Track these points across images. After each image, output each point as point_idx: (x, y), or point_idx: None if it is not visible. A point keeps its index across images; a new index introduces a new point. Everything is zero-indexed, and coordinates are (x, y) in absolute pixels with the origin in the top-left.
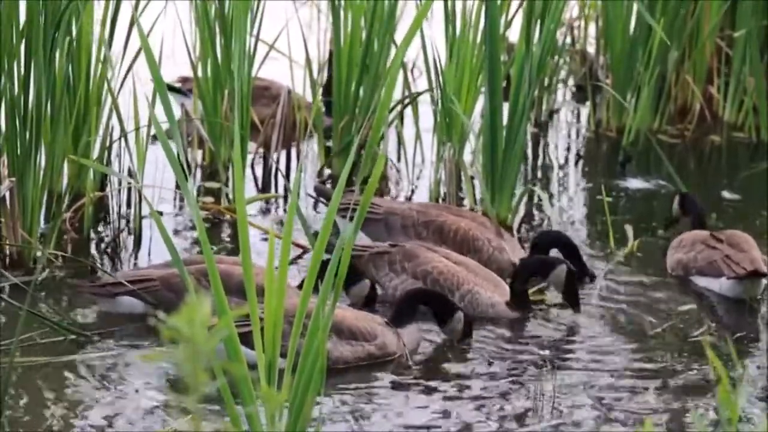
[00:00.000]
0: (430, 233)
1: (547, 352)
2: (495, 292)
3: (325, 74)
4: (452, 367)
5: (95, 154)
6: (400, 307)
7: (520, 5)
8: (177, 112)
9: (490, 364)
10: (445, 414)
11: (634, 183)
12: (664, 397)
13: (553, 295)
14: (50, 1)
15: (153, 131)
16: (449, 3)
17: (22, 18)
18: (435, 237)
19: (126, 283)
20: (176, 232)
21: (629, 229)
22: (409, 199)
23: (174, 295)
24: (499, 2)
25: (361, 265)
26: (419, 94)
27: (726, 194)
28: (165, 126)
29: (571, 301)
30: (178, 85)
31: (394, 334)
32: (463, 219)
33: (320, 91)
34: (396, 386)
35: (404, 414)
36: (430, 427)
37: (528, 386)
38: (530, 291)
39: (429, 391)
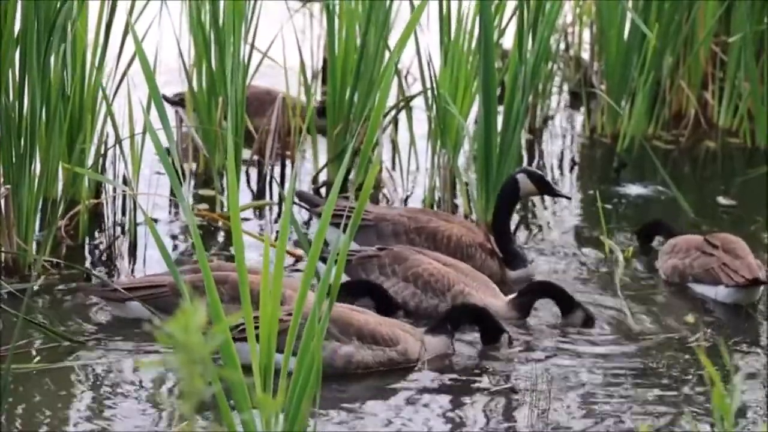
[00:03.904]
0: (423, 240)
1: (542, 355)
2: (486, 293)
3: (320, 80)
4: (448, 370)
5: (90, 161)
6: (447, 316)
7: (514, 12)
8: (172, 120)
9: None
10: (440, 417)
11: (629, 189)
12: (660, 402)
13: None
14: (44, 2)
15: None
16: (444, 9)
17: (17, 25)
18: (428, 243)
19: (135, 288)
20: (171, 239)
21: (615, 247)
22: (405, 204)
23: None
24: (493, 8)
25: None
26: (413, 96)
27: (721, 200)
28: (160, 133)
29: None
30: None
31: (418, 341)
32: (454, 225)
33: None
34: (392, 390)
35: (400, 418)
36: (424, 430)
37: (523, 389)
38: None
39: (424, 394)
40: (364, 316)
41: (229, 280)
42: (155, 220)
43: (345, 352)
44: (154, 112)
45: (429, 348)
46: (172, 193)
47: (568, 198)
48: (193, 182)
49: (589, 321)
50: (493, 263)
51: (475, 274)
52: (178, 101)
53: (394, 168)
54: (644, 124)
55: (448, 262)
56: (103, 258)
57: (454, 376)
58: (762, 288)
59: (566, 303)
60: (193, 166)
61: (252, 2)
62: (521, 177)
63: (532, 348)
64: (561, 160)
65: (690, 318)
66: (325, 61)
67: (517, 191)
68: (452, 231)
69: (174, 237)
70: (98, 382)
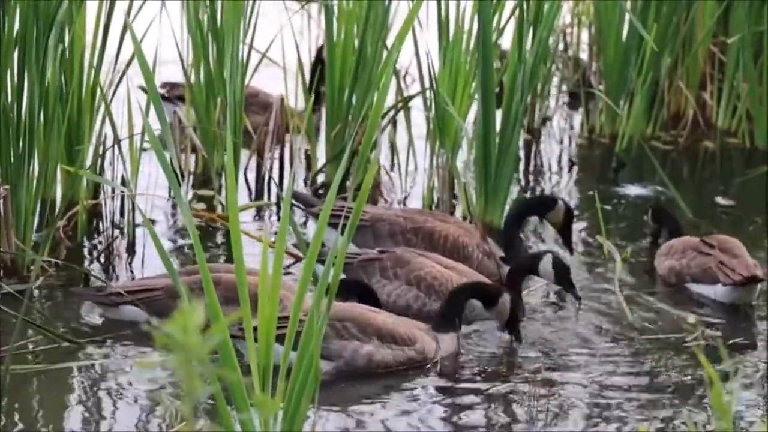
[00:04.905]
0: (420, 240)
1: (541, 356)
2: None
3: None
4: (446, 372)
5: (88, 162)
6: (445, 310)
7: (513, 12)
8: (170, 120)
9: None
10: (437, 417)
11: (628, 189)
12: (659, 403)
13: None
14: (43, 1)
15: (146, 139)
16: (442, 9)
17: (16, 26)
18: (425, 244)
19: (129, 292)
20: (169, 239)
21: (613, 248)
22: (403, 205)
23: (178, 305)
24: (491, 8)
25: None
26: (412, 97)
27: (720, 200)
28: (158, 134)
29: (567, 287)
30: (161, 91)
31: (433, 340)
32: (451, 225)
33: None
34: (390, 391)
35: (397, 420)
36: (422, 430)
37: (522, 390)
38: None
39: (422, 396)
40: (381, 316)
41: (222, 282)
42: (153, 221)
43: (366, 352)
44: (153, 111)
45: (442, 346)
46: (170, 194)
47: (570, 253)
48: (191, 182)
49: (557, 261)
50: (490, 263)
51: (477, 276)
52: (174, 97)
53: (392, 168)
54: (643, 125)
55: (450, 264)
56: (102, 258)
57: (453, 376)
58: (759, 287)
59: (532, 262)
60: (192, 166)
61: (250, 2)
62: (561, 204)
63: (530, 349)
64: (560, 161)
65: (691, 319)
66: (323, 61)
67: (548, 211)
68: (449, 231)
69: (172, 238)
70: (97, 383)
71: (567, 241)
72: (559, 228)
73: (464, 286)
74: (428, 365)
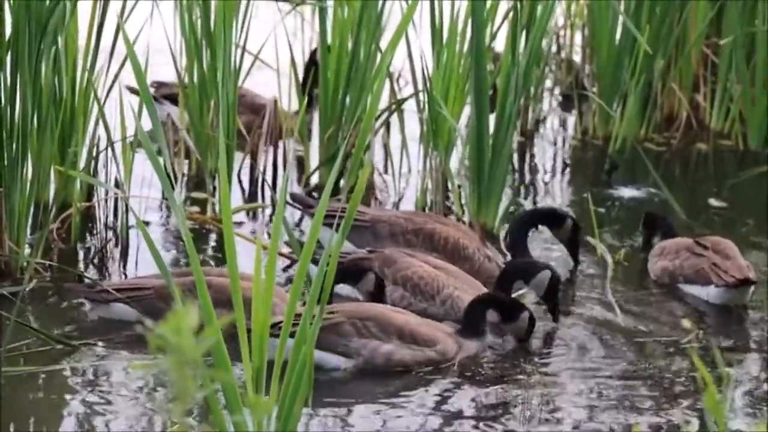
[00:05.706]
0: (420, 241)
1: (534, 358)
2: None
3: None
4: (440, 372)
5: (82, 164)
6: (468, 317)
7: (506, 14)
8: (162, 122)
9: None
10: (430, 418)
11: (621, 191)
12: (652, 404)
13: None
14: (36, 2)
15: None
16: (436, 12)
17: (8, 28)
18: (425, 245)
19: (120, 290)
20: (163, 242)
21: (606, 251)
22: (396, 207)
23: (167, 306)
24: (485, 12)
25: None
26: (405, 99)
27: (713, 202)
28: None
29: (550, 307)
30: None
31: (455, 342)
32: (450, 227)
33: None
34: (383, 391)
35: (390, 421)
36: (414, 431)
37: (515, 393)
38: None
39: (414, 396)
40: (404, 316)
41: (212, 285)
42: (147, 223)
43: (385, 351)
44: (146, 114)
45: (463, 349)
46: (164, 196)
47: (577, 262)
48: (185, 184)
49: (554, 278)
50: (491, 266)
51: (465, 277)
52: (162, 96)
53: (386, 171)
54: (636, 127)
55: (439, 264)
56: (95, 261)
57: (445, 378)
58: (752, 288)
59: (528, 271)
60: (185, 168)
61: (243, 4)
62: (570, 222)
63: (523, 351)
64: (553, 163)
65: (685, 322)
66: (316, 63)
67: (559, 226)
68: (449, 233)
69: (166, 240)
70: (90, 385)
71: (573, 253)
72: (566, 241)
73: (484, 296)
74: (442, 366)
